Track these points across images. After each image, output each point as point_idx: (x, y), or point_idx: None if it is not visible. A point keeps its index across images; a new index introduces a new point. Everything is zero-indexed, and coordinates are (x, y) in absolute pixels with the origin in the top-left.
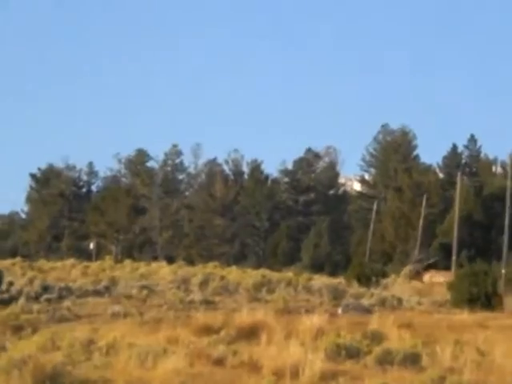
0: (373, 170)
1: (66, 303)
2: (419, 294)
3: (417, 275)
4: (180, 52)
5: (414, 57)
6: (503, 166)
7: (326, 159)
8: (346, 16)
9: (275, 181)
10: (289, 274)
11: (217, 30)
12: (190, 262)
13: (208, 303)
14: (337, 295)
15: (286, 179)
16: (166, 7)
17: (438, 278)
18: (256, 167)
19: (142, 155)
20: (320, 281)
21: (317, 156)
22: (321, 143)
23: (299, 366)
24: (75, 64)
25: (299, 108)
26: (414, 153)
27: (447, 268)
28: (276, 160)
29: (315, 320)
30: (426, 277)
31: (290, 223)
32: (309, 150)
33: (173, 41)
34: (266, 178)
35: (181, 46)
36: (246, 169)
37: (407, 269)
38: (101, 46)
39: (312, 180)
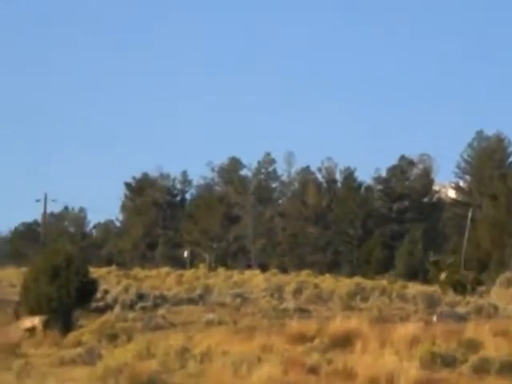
0: (468, 177)
1: (161, 311)
2: None
3: None
4: (272, 59)
5: (508, 62)
6: None
7: (420, 166)
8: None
9: (369, 188)
10: (383, 282)
11: (311, 37)
12: (284, 270)
13: (302, 311)
14: (431, 303)
15: (380, 187)
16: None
17: None
18: (349, 175)
19: (235, 163)
20: (414, 289)
21: (411, 163)
22: (415, 150)
23: (394, 375)
24: (172, 75)
25: (393, 115)
26: (510, 159)
27: None
28: (369, 168)
29: (410, 328)
30: None
31: (383, 231)
32: (403, 158)
33: (262, 48)
34: (360, 185)
35: (270, 53)
36: (339, 177)
37: (504, 276)
38: (192, 56)
39: (406, 187)
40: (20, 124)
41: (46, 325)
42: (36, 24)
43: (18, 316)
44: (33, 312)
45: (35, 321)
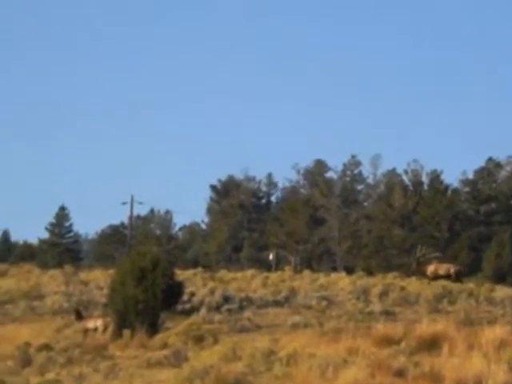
0: None
1: (247, 313)
2: None
3: None
4: (354, 59)
5: None
6: None
7: (508, 168)
8: None
9: (455, 191)
10: (470, 285)
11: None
12: (369, 272)
13: (388, 314)
14: None
15: (467, 189)
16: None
17: None
18: (436, 177)
19: (320, 166)
20: (502, 292)
21: (498, 165)
22: (503, 153)
23: (482, 378)
24: (259, 76)
25: (479, 118)
26: None
27: None
28: (456, 170)
29: (498, 331)
30: None
31: (470, 233)
32: (490, 160)
33: (353, 48)
34: (446, 188)
35: (354, 51)
36: (425, 179)
37: None
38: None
39: (493, 190)
40: (106, 126)
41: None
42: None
43: (79, 317)
44: (120, 314)
45: (98, 322)
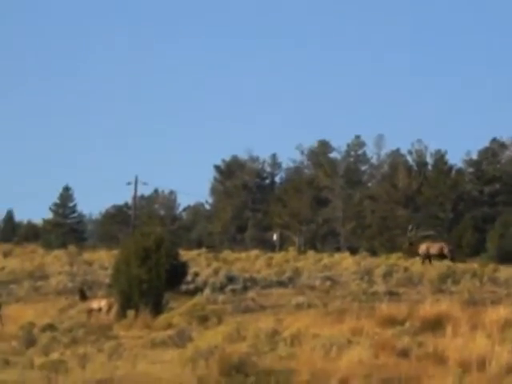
0: None
1: (251, 294)
2: None
3: None
4: (356, 44)
5: None
6: None
7: None
8: None
9: (459, 171)
10: (474, 265)
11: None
12: (373, 253)
13: (392, 294)
14: None
15: (471, 169)
16: None
17: None
18: (440, 158)
19: (324, 146)
20: (506, 272)
21: (503, 146)
22: (506, 133)
23: (486, 358)
24: (263, 56)
25: (483, 97)
26: None
27: None
28: (460, 150)
29: (501, 312)
30: None
31: (474, 214)
32: (494, 140)
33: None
34: (450, 168)
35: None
36: (429, 159)
37: None
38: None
39: (497, 170)
40: (110, 108)
41: (112, 307)
42: None
43: (83, 297)
44: (124, 294)
45: (102, 302)
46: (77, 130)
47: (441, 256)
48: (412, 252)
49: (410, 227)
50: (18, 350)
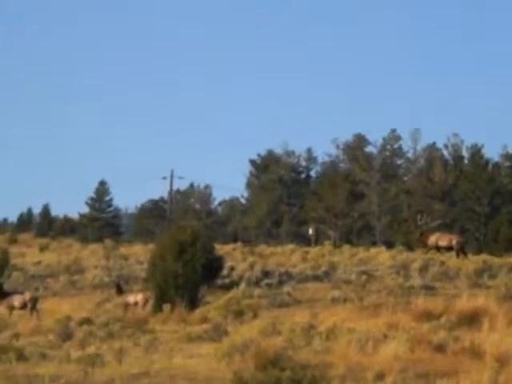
0: None
1: (286, 288)
2: None
3: None
4: (388, 38)
5: None
6: None
7: None
8: None
9: (496, 165)
10: (510, 259)
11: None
12: (409, 247)
13: (428, 289)
14: None
15: (508, 163)
16: None
17: None
18: (476, 152)
19: (360, 140)
20: None
21: None
22: None
23: None
24: (299, 49)
25: None
26: None
27: None
28: (497, 144)
29: None
30: None
31: (511, 208)
32: None
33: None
34: (487, 162)
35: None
36: (465, 153)
37: None
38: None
39: None
40: (146, 102)
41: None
42: None
43: (120, 292)
44: (160, 288)
45: (138, 297)
46: (113, 126)
47: (450, 248)
48: (422, 242)
49: (419, 217)
50: (54, 344)
